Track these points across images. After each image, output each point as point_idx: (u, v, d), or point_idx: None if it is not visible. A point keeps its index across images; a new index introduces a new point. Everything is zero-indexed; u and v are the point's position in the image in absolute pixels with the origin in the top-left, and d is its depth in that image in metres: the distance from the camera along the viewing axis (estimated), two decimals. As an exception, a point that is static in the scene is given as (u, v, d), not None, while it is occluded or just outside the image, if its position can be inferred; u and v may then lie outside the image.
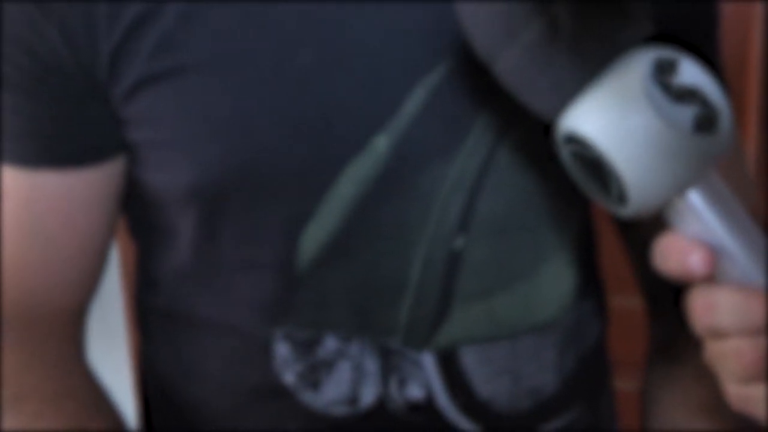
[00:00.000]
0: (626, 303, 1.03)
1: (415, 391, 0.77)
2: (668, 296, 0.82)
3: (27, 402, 0.69)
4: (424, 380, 0.77)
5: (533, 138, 0.71)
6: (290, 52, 0.68)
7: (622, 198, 0.50)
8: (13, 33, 0.67)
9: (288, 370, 0.76)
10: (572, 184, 0.76)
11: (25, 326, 0.74)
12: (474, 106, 0.70)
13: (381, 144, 0.70)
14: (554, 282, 0.78)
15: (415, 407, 0.78)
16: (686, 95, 0.49)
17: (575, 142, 0.50)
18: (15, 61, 0.68)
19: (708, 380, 0.75)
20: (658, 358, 0.83)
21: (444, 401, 0.78)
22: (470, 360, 0.77)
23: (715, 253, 0.51)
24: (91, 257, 0.76)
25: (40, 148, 0.70)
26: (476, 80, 0.69)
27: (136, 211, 0.76)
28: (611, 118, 0.49)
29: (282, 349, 0.76)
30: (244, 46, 0.67)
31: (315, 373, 0.76)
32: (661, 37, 0.52)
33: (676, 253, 0.51)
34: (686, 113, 0.49)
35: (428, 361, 0.76)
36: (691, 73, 0.50)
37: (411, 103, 0.69)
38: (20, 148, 0.70)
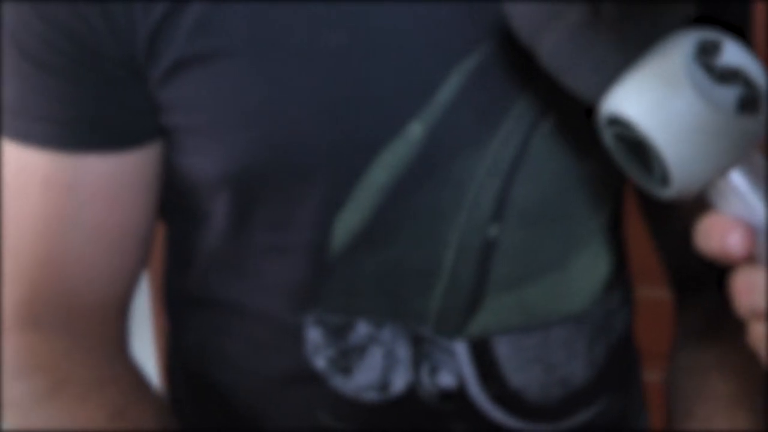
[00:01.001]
0: (653, 294, 1.03)
1: (446, 379, 0.77)
2: (696, 286, 0.82)
3: (69, 387, 0.70)
4: (455, 368, 0.77)
5: (567, 126, 0.71)
6: (323, 36, 0.68)
7: (664, 179, 0.50)
8: (53, 17, 0.67)
9: (319, 355, 0.76)
10: (605, 175, 0.76)
11: (68, 315, 0.74)
12: (509, 94, 0.70)
13: (415, 131, 0.70)
14: (586, 271, 0.79)
15: (446, 395, 0.78)
16: (729, 76, 0.49)
17: (618, 124, 0.51)
18: (56, 44, 0.68)
19: (731, 371, 0.75)
20: (681, 347, 0.83)
21: (476, 390, 0.78)
22: (503, 349, 0.77)
23: (756, 233, 0.51)
24: (135, 243, 0.75)
25: (83, 132, 0.70)
26: (511, 67, 0.69)
27: (168, 196, 0.76)
28: (654, 100, 0.49)
29: (313, 335, 0.76)
30: (277, 30, 0.68)
31: (346, 359, 0.76)
32: (703, 19, 0.52)
33: (715, 234, 0.51)
34: (729, 94, 0.49)
35: (460, 350, 0.77)
36: (733, 54, 0.50)
37: (446, 90, 0.69)
38: (62, 132, 0.70)
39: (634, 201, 0.83)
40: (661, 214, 0.82)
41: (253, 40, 0.68)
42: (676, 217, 0.79)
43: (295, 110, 0.69)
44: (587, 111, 0.53)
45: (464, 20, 0.68)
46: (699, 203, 0.53)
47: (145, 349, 1.46)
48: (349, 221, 0.73)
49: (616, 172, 0.74)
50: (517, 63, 0.68)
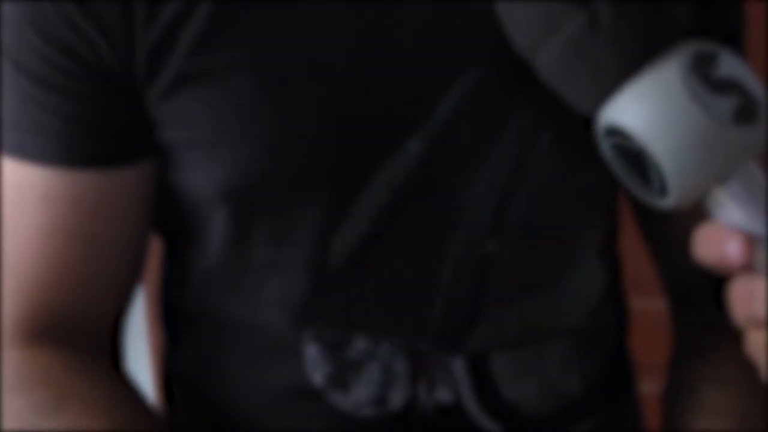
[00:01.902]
0: (650, 304, 1.03)
1: (443, 394, 0.77)
2: (693, 297, 0.83)
3: (70, 403, 0.69)
4: (452, 384, 0.77)
5: (564, 142, 0.72)
6: (325, 53, 0.68)
7: (663, 190, 0.51)
8: (52, 34, 0.68)
9: (317, 370, 0.76)
10: (602, 190, 0.77)
11: (67, 330, 0.74)
12: (506, 109, 0.71)
13: (414, 147, 0.71)
14: (582, 286, 0.79)
15: (443, 410, 0.78)
16: (725, 87, 0.50)
17: (616, 134, 0.51)
18: (54, 60, 0.68)
19: (728, 384, 0.75)
20: (678, 359, 0.83)
21: (472, 404, 0.78)
22: (499, 364, 0.78)
23: (754, 242, 0.51)
24: (132, 258, 0.76)
25: (81, 148, 0.70)
26: (509, 82, 0.69)
27: (166, 213, 0.77)
28: (652, 110, 0.50)
29: (311, 350, 0.76)
30: (279, 47, 0.68)
31: (344, 374, 0.76)
32: (698, 31, 0.53)
33: (713, 243, 0.52)
34: (726, 104, 0.50)
35: (458, 365, 0.77)
36: (729, 65, 0.51)
37: (445, 106, 0.70)
38: (60, 147, 0.70)
39: (630, 211, 0.84)
40: (657, 225, 0.82)
41: (255, 56, 0.68)
42: (672, 227, 0.79)
43: (296, 126, 0.69)
44: (585, 124, 0.54)
45: (462, 36, 0.69)
46: (695, 213, 0.54)
47: (141, 364, 1.46)
48: (348, 237, 0.73)
49: (612, 186, 0.75)
50: (515, 78, 0.68)
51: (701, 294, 0.79)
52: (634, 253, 0.90)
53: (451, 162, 0.72)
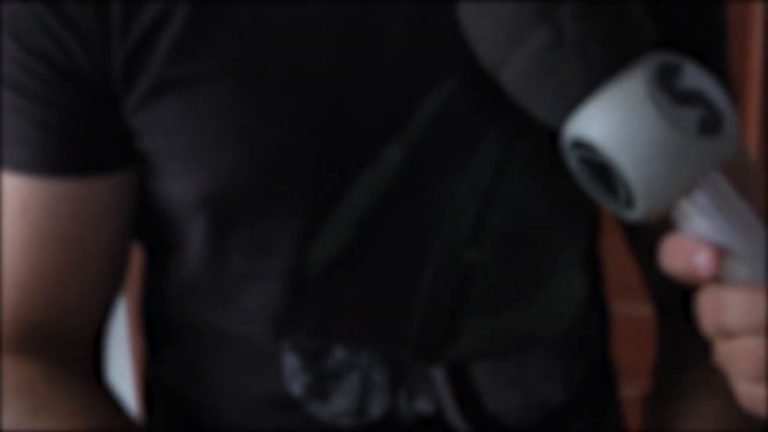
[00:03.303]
0: (633, 310, 1.03)
1: (424, 405, 0.77)
2: (678, 299, 0.83)
3: (45, 413, 0.69)
4: (433, 394, 0.77)
5: (544, 150, 0.72)
6: (305, 60, 0.68)
7: (629, 202, 0.51)
8: (26, 38, 0.68)
9: (296, 380, 0.76)
10: (582, 197, 0.76)
11: (49, 340, 0.74)
12: (486, 117, 0.70)
13: (393, 155, 0.71)
14: (563, 295, 0.79)
15: (423, 421, 0.78)
16: (690, 98, 0.50)
17: (582, 147, 0.51)
18: (31, 68, 0.68)
19: (714, 387, 0.75)
20: (665, 363, 0.83)
21: (453, 415, 0.78)
22: (480, 374, 0.77)
23: (721, 253, 0.51)
24: (111, 267, 0.76)
25: (59, 157, 0.70)
26: (488, 91, 0.69)
27: (146, 222, 0.77)
28: (617, 123, 0.50)
29: (290, 360, 0.76)
30: (258, 53, 0.68)
31: (323, 384, 0.76)
32: (665, 42, 0.53)
33: (681, 254, 0.52)
34: (690, 116, 0.50)
35: (438, 375, 0.77)
36: (693, 76, 0.51)
37: (423, 114, 0.70)
38: (38, 157, 0.70)
39: (613, 218, 0.84)
40: (640, 233, 0.82)
41: (235, 62, 0.68)
42: (655, 235, 0.79)
43: (276, 134, 0.69)
44: (556, 135, 0.54)
45: (441, 41, 0.69)
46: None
47: (122, 373, 1.46)
48: (326, 245, 0.73)
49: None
50: (493, 87, 0.69)
51: (684, 302, 0.79)
52: (618, 258, 0.89)
53: (430, 169, 0.71)
